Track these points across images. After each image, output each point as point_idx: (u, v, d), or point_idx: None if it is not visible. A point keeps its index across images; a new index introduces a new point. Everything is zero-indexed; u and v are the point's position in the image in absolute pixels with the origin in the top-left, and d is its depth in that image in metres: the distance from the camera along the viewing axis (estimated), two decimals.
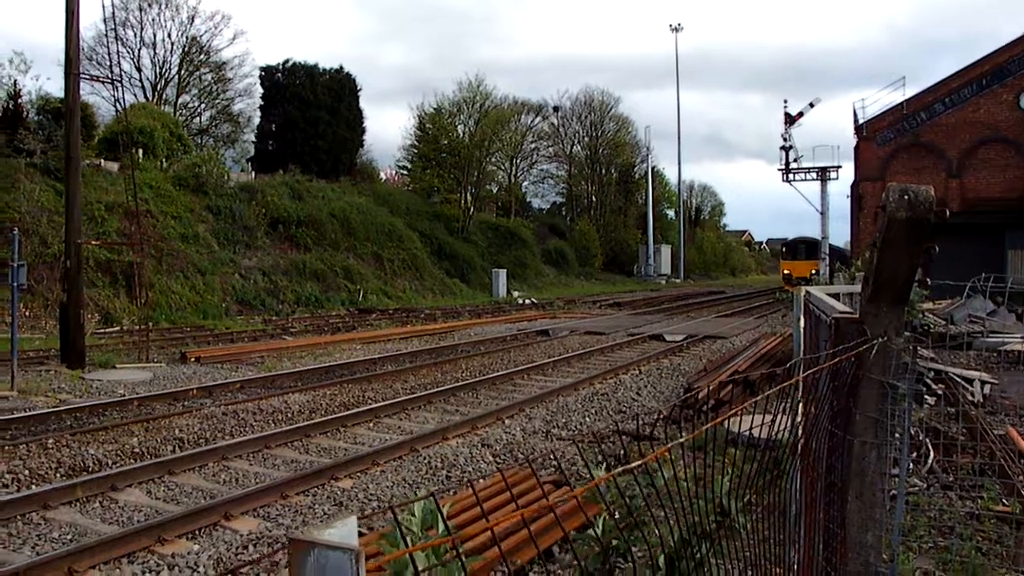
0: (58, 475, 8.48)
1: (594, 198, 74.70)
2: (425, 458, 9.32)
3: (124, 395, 12.82)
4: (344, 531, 0.79)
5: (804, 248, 52.63)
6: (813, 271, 47.69)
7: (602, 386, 14.55)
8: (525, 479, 7.49)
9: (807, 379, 2.96)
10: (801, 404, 2.94)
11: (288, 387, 14.01)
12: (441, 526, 1.72)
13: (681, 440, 1.98)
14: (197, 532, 6.80)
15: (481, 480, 8.40)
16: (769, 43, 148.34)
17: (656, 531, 2.30)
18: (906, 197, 2.61)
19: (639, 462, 1.68)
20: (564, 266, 59.72)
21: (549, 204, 76.31)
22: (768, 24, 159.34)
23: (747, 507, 2.68)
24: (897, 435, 3.56)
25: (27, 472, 8.43)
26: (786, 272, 52.24)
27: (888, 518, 3.42)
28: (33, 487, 7.95)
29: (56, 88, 42.91)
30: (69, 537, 6.68)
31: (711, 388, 11.74)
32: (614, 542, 2.37)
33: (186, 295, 27.42)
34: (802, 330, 5.31)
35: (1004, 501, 6.75)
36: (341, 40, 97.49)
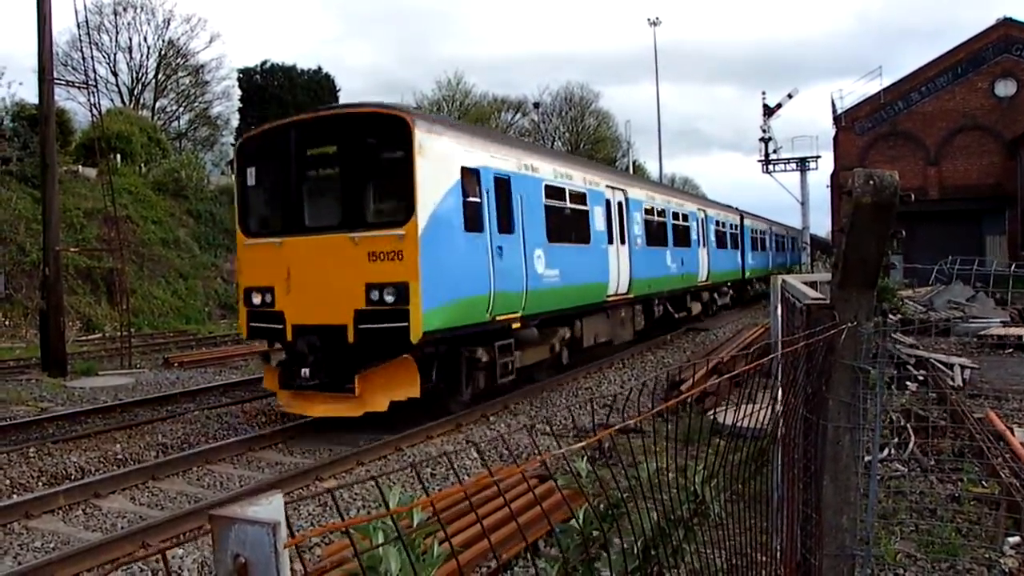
0: (40, 484, 8.42)
1: None
2: (410, 457, 9.32)
3: (106, 402, 12.74)
4: (269, 508, 0.80)
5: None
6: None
7: (586, 381, 14.58)
8: (510, 475, 7.50)
9: (784, 368, 2.99)
10: (780, 392, 2.97)
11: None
12: (418, 515, 1.72)
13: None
14: (181, 536, 6.77)
15: (467, 478, 8.41)
16: (740, 35, 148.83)
17: (638, 520, 2.33)
18: (871, 182, 2.64)
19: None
20: None
21: None
22: (739, 16, 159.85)
23: (731, 496, 2.71)
24: (872, 419, 3.60)
25: (8, 482, 8.36)
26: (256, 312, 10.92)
27: (863, 501, 3.46)
28: (15, 496, 7.89)
29: (31, 94, 42.49)
30: (52, 546, 6.64)
31: (695, 380, 11.80)
32: (594, 532, 2.40)
33: (168, 300, 27.27)
34: (779, 319, 5.35)
35: (983, 483, 6.82)
36: (309, 41, 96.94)
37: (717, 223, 26.91)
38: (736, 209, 31.90)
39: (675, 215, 21.23)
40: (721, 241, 27.22)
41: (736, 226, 30.28)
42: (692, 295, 22.89)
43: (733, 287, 29.21)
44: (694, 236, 23.02)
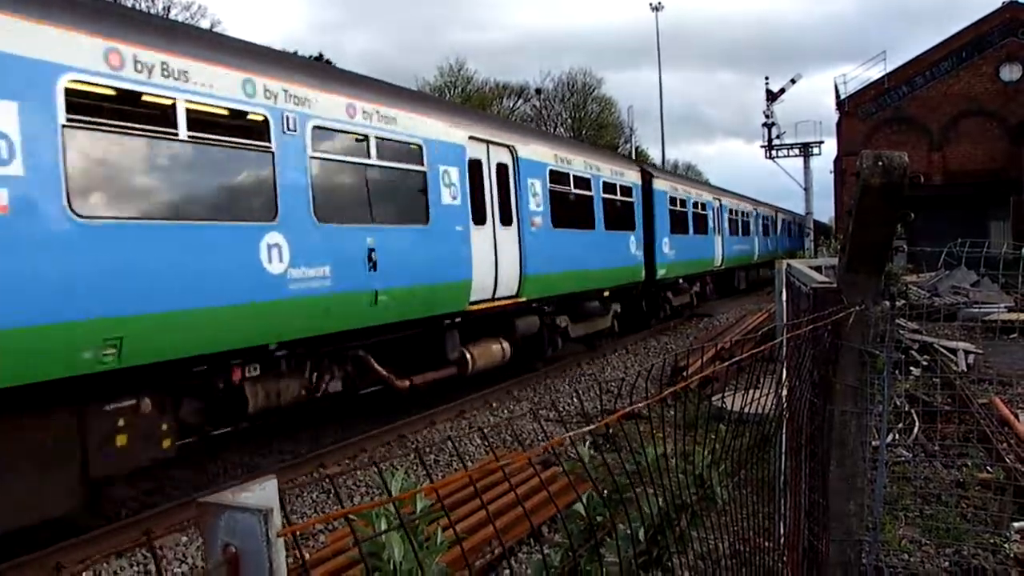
0: None
1: None
2: (413, 443, 9.32)
3: None
4: (262, 494, 0.77)
5: None
6: None
7: (589, 367, 14.57)
8: (517, 461, 7.49)
9: (789, 352, 2.96)
10: (785, 377, 2.94)
11: None
12: (421, 501, 1.70)
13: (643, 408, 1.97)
14: (186, 523, 6.78)
15: (470, 464, 8.40)
16: (742, 19, 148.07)
17: (644, 505, 2.31)
18: (880, 163, 2.60)
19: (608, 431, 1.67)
20: None
21: None
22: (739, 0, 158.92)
23: (736, 482, 2.69)
24: (878, 403, 3.57)
25: None
26: None
27: (869, 486, 3.43)
28: None
29: None
30: None
31: (698, 366, 11.78)
32: (599, 518, 2.37)
33: None
34: (784, 303, 5.32)
35: (988, 468, 6.80)
36: (310, 28, 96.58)
37: (560, 178, 13.60)
38: (635, 162, 20.13)
39: (381, 147, 9.02)
40: (575, 215, 14.17)
41: (631, 190, 17.21)
42: (470, 326, 10.96)
43: (626, 296, 17.24)
44: (454, 201, 10.28)
